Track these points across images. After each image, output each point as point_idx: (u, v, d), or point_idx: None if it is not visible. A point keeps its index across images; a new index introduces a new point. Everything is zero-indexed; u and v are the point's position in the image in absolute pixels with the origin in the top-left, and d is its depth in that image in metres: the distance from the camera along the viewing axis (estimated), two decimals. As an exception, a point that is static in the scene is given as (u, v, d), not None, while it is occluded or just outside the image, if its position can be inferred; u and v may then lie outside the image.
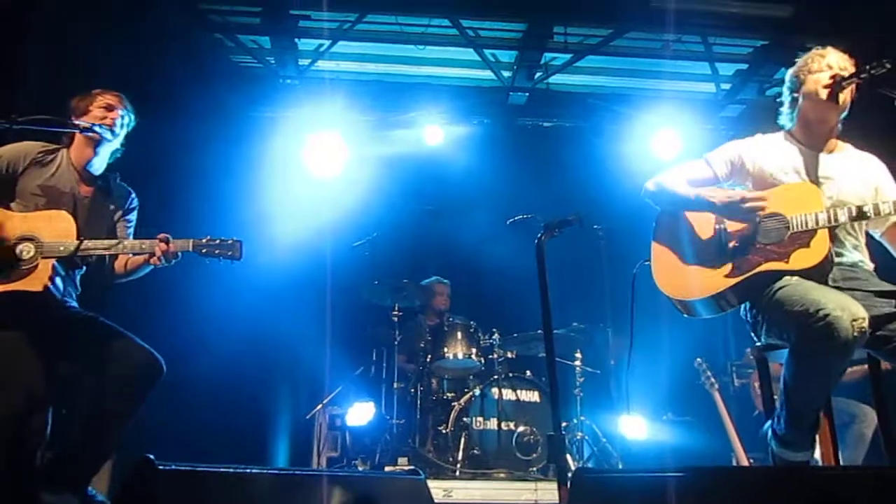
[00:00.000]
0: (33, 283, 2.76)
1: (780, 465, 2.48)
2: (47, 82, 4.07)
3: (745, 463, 4.48)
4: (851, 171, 2.69)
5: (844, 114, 2.71)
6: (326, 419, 5.61)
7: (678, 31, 5.52)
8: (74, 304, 3.00)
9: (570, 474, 2.04)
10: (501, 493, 4.19)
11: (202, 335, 5.00)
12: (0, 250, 2.78)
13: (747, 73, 6.02)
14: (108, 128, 3.03)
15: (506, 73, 6.14)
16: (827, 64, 2.67)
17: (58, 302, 2.88)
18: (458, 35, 5.70)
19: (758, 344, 2.75)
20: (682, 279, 2.73)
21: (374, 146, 6.31)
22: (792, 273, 2.51)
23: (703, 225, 2.77)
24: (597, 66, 6.14)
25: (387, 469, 4.67)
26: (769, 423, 2.56)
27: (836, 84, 2.60)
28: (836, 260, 2.57)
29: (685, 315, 2.79)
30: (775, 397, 2.58)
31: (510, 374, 5.04)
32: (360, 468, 5.02)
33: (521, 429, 4.77)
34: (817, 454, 2.55)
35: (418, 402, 5.14)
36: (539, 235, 2.67)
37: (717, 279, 2.64)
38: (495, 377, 4.97)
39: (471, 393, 4.97)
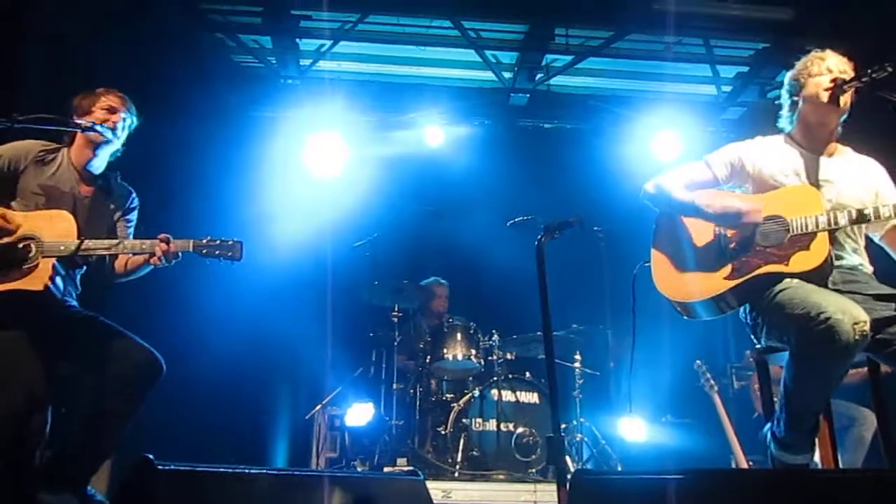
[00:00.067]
0: (34, 283, 2.76)
1: (780, 468, 2.48)
2: (47, 82, 4.07)
3: (744, 465, 4.48)
4: (851, 175, 2.69)
5: (844, 116, 2.72)
6: (326, 420, 5.60)
7: (679, 33, 5.53)
8: (75, 303, 3.00)
9: (569, 476, 2.04)
10: (500, 495, 4.18)
11: (202, 335, 5.00)
12: (1, 249, 2.78)
13: (748, 75, 6.02)
14: (109, 128, 3.03)
15: (507, 75, 6.14)
16: (827, 67, 2.67)
17: (58, 301, 2.88)
18: (459, 36, 5.70)
19: (758, 346, 2.75)
20: (681, 281, 2.73)
21: (374, 147, 6.31)
22: (792, 276, 2.51)
23: (703, 227, 2.76)
24: (598, 67, 6.14)
25: (386, 470, 4.67)
26: (768, 425, 2.56)
27: (838, 87, 2.60)
28: (836, 263, 2.57)
29: (685, 317, 2.79)
30: (775, 400, 2.58)
31: (510, 376, 5.04)
32: (359, 469, 5.02)
33: (520, 430, 4.77)
34: (817, 457, 2.55)
35: (417, 402, 5.14)
36: (539, 237, 2.67)
37: (716, 281, 2.64)
38: (495, 378, 4.97)
39: (470, 394, 4.97)
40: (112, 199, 3.14)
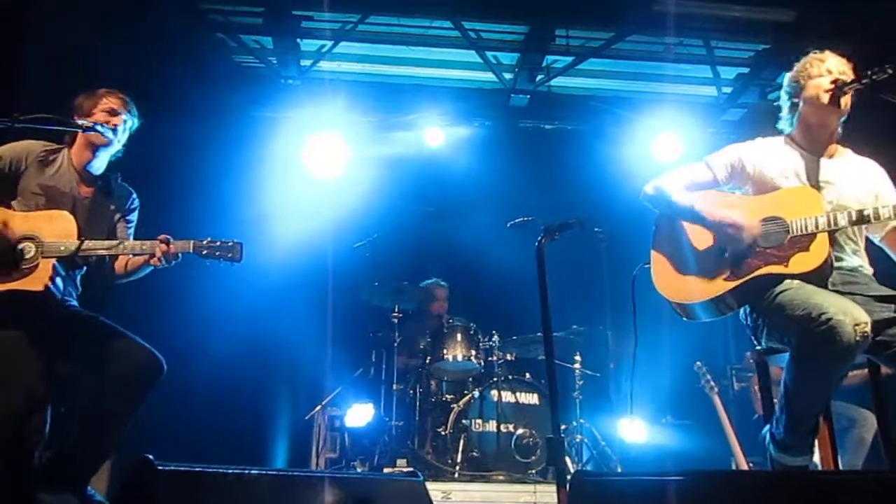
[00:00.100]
0: (34, 283, 2.76)
1: (780, 470, 2.47)
2: (47, 82, 4.07)
3: (744, 467, 4.48)
4: (851, 176, 2.69)
5: (844, 118, 2.72)
6: (325, 420, 5.61)
7: (680, 34, 5.53)
8: (75, 303, 3.00)
9: (569, 477, 2.04)
10: (500, 496, 4.18)
11: (202, 336, 5.00)
12: (1, 249, 2.78)
13: (749, 76, 6.02)
14: (110, 129, 3.03)
15: (507, 76, 6.14)
16: (826, 69, 2.67)
17: (58, 301, 2.88)
18: (459, 37, 5.70)
19: (758, 347, 2.75)
20: (681, 282, 2.73)
21: (375, 147, 6.31)
22: (792, 277, 2.51)
23: (702, 229, 2.76)
24: (598, 68, 6.15)
25: (385, 470, 4.67)
26: (767, 427, 2.56)
27: (838, 89, 2.60)
28: (836, 264, 2.57)
29: (685, 318, 2.79)
30: (775, 401, 2.57)
31: (509, 377, 5.04)
32: (358, 469, 5.02)
33: (520, 431, 4.76)
34: (816, 458, 2.55)
35: (417, 403, 5.13)
36: (539, 238, 2.67)
37: (716, 282, 2.64)
38: (495, 379, 4.96)
39: (470, 395, 4.96)
40: (112, 200, 3.14)
